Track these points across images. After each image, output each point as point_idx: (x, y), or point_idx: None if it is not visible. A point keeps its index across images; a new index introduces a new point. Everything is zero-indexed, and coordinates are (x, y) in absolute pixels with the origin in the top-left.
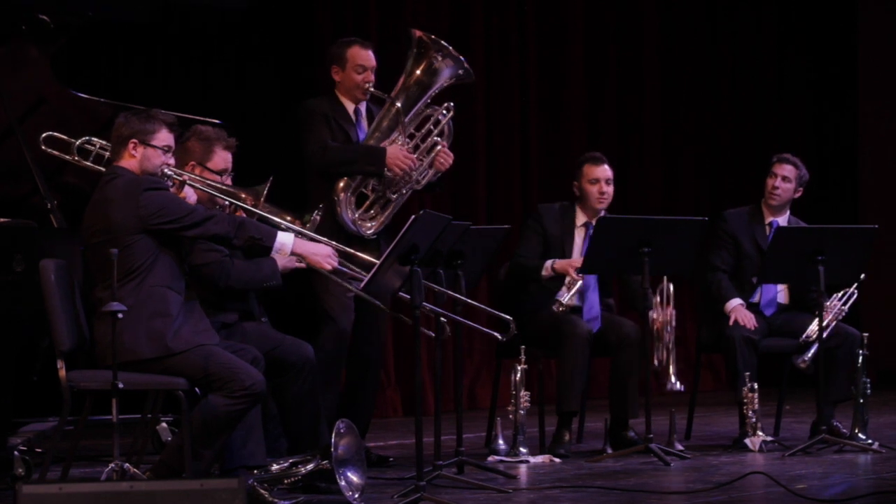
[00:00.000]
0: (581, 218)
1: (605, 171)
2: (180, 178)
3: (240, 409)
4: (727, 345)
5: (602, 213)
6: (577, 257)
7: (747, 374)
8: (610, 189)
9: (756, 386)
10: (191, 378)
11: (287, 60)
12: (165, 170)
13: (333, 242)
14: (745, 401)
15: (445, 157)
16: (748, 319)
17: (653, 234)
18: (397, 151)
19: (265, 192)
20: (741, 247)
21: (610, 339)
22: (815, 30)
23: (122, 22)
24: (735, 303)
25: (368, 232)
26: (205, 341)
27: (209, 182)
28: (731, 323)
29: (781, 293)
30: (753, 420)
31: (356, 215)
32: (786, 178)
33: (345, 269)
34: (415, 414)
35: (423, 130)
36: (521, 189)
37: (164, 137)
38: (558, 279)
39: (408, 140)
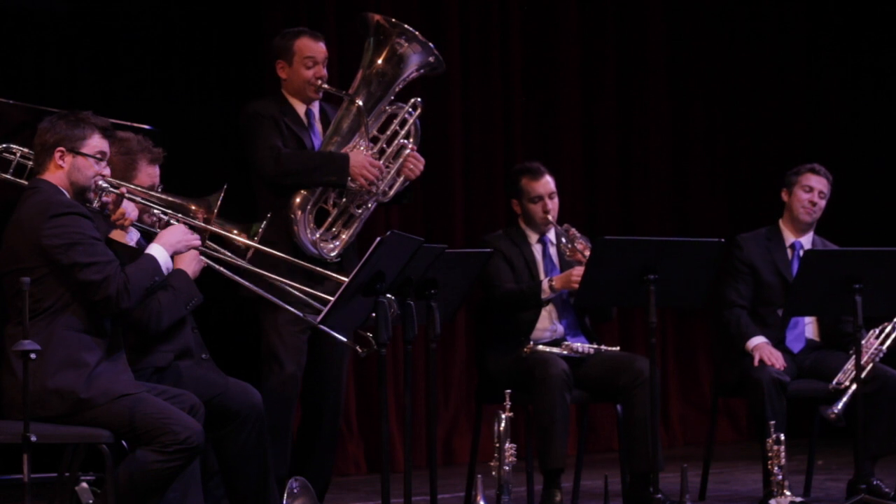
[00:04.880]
0: (533, 236)
1: (546, 184)
2: (117, 191)
3: (174, 465)
4: (753, 388)
5: (553, 227)
6: (543, 275)
7: (772, 423)
8: (555, 203)
9: (783, 437)
10: (115, 430)
11: (231, 57)
12: (99, 181)
13: (186, 219)
14: (770, 455)
15: (415, 163)
16: (776, 358)
17: (660, 258)
18: (362, 158)
19: (219, 202)
20: (760, 275)
21: (619, 380)
22: (850, 23)
23: (34, 10)
24: (758, 340)
25: (332, 254)
26: (127, 389)
27: (153, 194)
28: (756, 363)
29: (810, 327)
30: (780, 477)
31: (316, 235)
32: (822, 194)
33: (299, 294)
34: (381, 470)
35: (388, 132)
36: (505, 206)
37: (97, 143)
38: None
39: (371, 144)
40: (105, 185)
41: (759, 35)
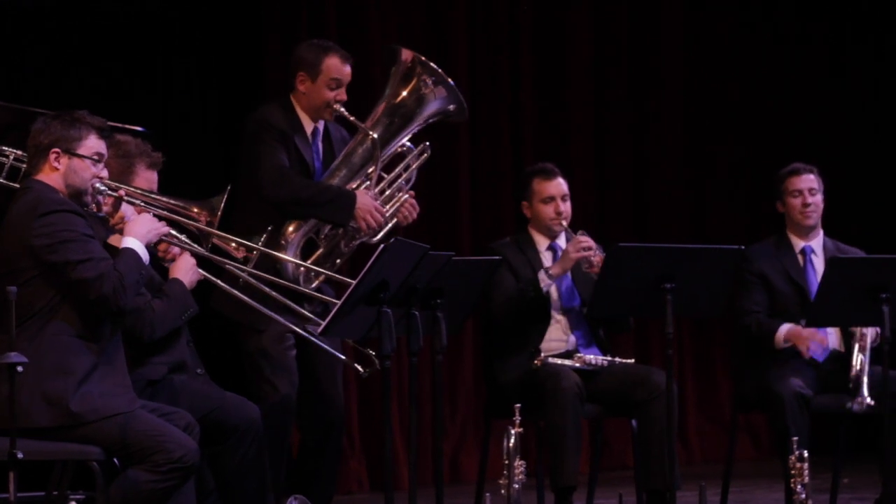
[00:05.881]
0: (542, 242)
1: (558, 185)
2: (115, 194)
3: (167, 485)
4: (774, 402)
5: (563, 233)
6: (554, 285)
7: (795, 439)
8: (567, 206)
9: (806, 454)
10: (106, 448)
11: (229, 58)
12: (97, 184)
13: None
14: (793, 472)
15: (411, 211)
16: (818, 336)
17: (678, 266)
18: (369, 202)
19: (222, 204)
20: (773, 285)
21: (634, 394)
22: (873, 28)
23: (19, 4)
24: (787, 327)
25: (312, 286)
26: (120, 408)
27: (153, 196)
28: (804, 350)
29: (832, 337)
30: (803, 496)
31: (301, 267)
32: (812, 191)
33: (297, 308)
34: (384, 489)
35: (392, 173)
36: (513, 212)
37: (93, 144)
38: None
39: (375, 184)
40: (103, 187)
41: (779, 37)
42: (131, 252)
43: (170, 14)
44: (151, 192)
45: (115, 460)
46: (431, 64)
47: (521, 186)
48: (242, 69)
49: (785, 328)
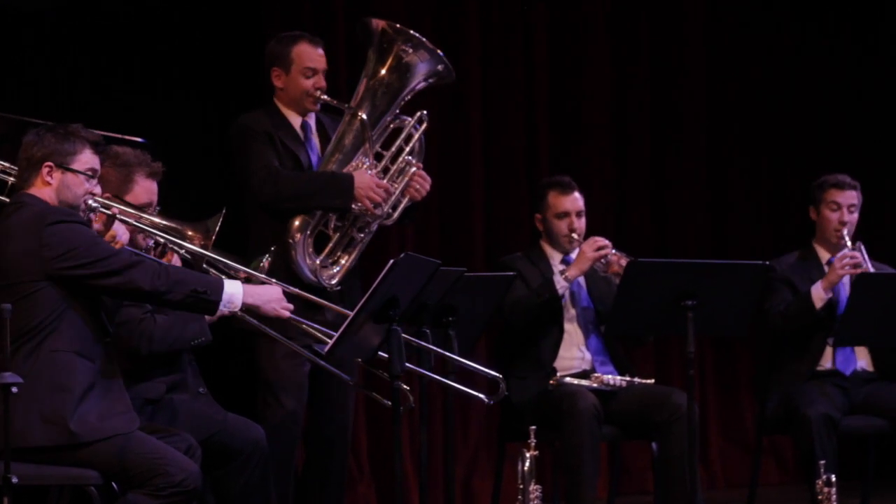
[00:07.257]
0: (555, 256)
1: (574, 201)
2: (108, 212)
3: None
4: (801, 425)
5: (576, 247)
6: (568, 300)
7: (822, 462)
8: (582, 223)
9: (834, 478)
10: (104, 471)
11: (230, 63)
12: (90, 200)
13: (282, 284)
14: (820, 497)
15: (422, 183)
16: (844, 257)
17: (699, 282)
18: (367, 179)
19: (217, 227)
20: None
21: (654, 415)
22: None
23: (14, 9)
24: (815, 285)
25: (332, 282)
26: (120, 429)
27: (146, 217)
28: (843, 269)
29: (861, 352)
30: None
31: (317, 262)
32: (852, 208)
33: (304, 325)
34: None
35: (392, 148)
36: (529, 225)
37: (88, 159)
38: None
39: (375, 162)
40: (96, 204)
41: (804, 43)
42: (219, 280)
43: (170, 15)
44: (146, 209)
45: (114, 484)
46: (409, 30)
47: (536, 198)
48: (243, 74)
49: (815, 287)
